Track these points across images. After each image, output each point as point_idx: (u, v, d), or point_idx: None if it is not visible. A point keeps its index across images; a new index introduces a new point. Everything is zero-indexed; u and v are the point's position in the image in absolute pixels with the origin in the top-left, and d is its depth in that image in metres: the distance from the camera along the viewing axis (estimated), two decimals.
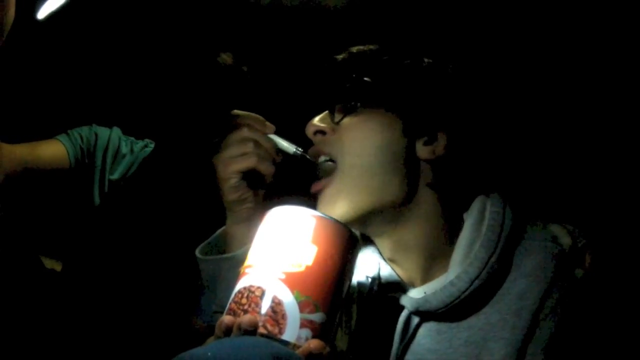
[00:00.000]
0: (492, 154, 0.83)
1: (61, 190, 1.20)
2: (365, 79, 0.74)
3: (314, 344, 0.56)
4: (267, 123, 0.83)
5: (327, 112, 0.76)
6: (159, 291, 1.07)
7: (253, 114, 0.83)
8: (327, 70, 0.78)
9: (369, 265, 0.79)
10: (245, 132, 0.80)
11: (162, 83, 1.14)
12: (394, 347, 0.73)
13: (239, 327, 0.56)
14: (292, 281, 0.58)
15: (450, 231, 0.73)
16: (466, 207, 0.75)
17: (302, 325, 0.57)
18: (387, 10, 1.29)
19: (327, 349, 0.56)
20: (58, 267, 1.26)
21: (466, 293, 0.67)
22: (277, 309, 0.57)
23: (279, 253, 0.60)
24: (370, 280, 0.77)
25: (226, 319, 0.58)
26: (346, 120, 0.73)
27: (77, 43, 1.64)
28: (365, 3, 1.31)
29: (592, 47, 1.14)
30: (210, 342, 0.60)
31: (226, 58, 1.10)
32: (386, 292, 0.77)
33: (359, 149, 0.71)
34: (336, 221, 0.64)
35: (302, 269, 0.59)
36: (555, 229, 0.71)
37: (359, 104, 0.73)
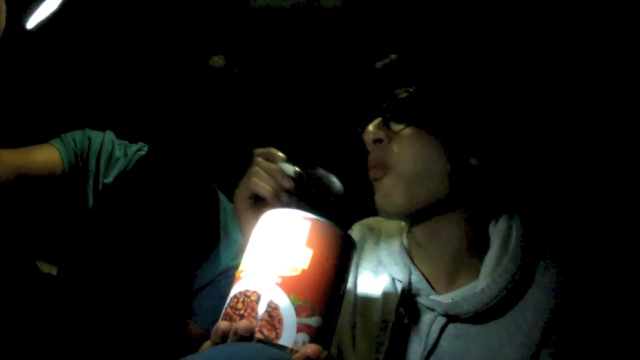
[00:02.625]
0: (521, 171, 0.89)
1: (55, 194, 1.19)
2: (424, 92, 0.78)
3: (311, 348, 0.55)
4: (278, 154, 0.83)
5: (380, 119, 0.80)
6: (154, 296, 1.07)
7: (269, 148, 0.84)
8: (380, 77, 0.82)
9: (400, 270, 0.82)
10: (254, 162, 0.83)
11: (154, 86, 1.14)
12: (420, 349, 0.77)
13: (235, 333, 0.56)
14: (288, 285, 0.58)
15: (475, 241, 0.80)
16: (489, 221, 0.82)
17: (299, 330, 0.57)
18: (381, 12, 1.28)
19: (325, 353, 0.56)
20: (54, 271, 1.25)
21: (495, 301, 0.74)
22: (273, 313, 0.57)
23: (274, 257, 0.60)
24: (401, 284, 0.81)
25: (222, 324, 0.57)
26: (402, 128, 0.78)
27: (69, 48, 1.63)
28: (355, 6, 1.30)
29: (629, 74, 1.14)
30: (207, 347, 0.60)
31: (218, 60, 1.10)
32: (413, 296, 0.81)
33: (416, 156, 0.77)
34: (331, 223, 0.63)
35: (297, 272, 0.59)
36: (572, 249, 0.79)
37: (414, 114, 0.78)
